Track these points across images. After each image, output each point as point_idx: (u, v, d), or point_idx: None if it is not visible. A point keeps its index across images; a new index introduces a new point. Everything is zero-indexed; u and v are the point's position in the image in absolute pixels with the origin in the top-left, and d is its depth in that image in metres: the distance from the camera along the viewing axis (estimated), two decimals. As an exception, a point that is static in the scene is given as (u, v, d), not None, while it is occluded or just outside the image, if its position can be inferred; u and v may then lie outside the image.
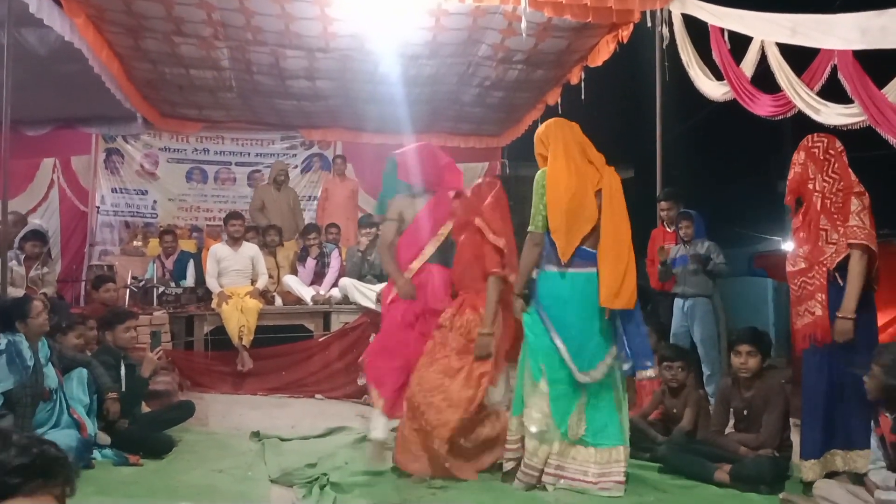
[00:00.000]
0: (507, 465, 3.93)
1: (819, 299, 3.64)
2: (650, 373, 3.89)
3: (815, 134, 3.86)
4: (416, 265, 4.46)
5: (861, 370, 3.33)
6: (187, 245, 8.21)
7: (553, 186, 3.87)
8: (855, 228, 3.56)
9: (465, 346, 4.05)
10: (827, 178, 3.70)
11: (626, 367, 3.87)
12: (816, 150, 3.76)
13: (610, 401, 3.86)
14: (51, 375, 4.21)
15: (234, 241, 7.14)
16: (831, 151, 3.73)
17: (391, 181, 4.63)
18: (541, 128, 4.18)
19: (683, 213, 5.87)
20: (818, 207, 3.69)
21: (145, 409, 5.09)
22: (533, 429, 3.80)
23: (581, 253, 3.84)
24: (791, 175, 3.84)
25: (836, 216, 3.65)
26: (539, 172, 3.99)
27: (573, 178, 3.87)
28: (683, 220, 5.81)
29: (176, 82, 7.63)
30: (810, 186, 3.73)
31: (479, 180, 4.64)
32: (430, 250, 4.47)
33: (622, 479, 3.77)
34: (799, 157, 3.82)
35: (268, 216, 8.46)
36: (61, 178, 9.11)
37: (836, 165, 3.71)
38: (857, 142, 3.97)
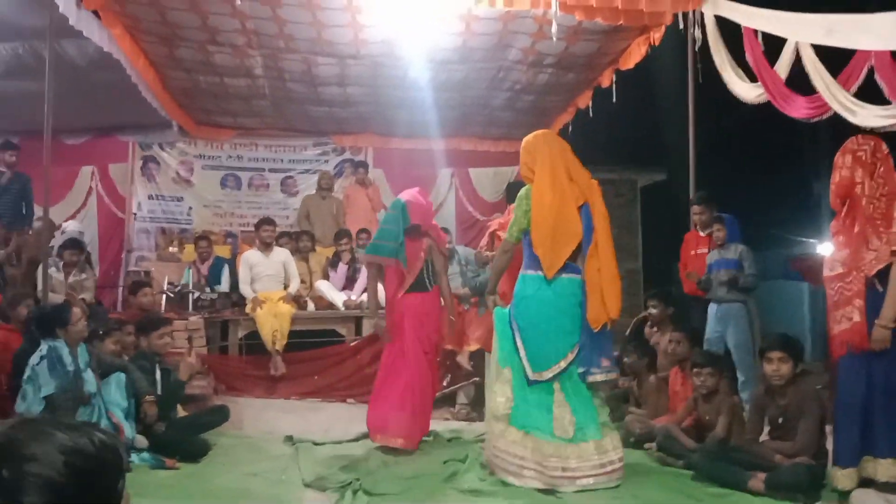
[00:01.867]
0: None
1: (857, 305, 3.58)
2: (598, 377, 4.03)
3: (860, 136, 3.79)
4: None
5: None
6: (222, 251, 8.32)
7: (538, 204, 4.04)
8: None
9: None
10: (874, 182, 3.63)
11: (580, 370, 4.02)
12: (863, 154, 3.68)
13: (588, 397, 4.03)
14: (90, 380, 4.31)
15: (266, 247, 7.24)
16: (878, 154, 3.67)
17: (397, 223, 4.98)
18: (528, 138, 4.32)
19: (716, 217, 5.81)
20: (865, 212, 3.63)
21: (181, 413, 5.17)
22: (499, 412, 4.03)
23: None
24: (837, 178, 3.76)
25: (878, 222, 3.58)
26: (524, 189, 4.17)
27: (557, 195, 4.04)
28: (716, 223, 5.75)
29: (210, 90, 7.75)
30: (857, 190, 3.66)
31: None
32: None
33: (613, 468, 3.93)
34: (845, 160, 3.74)
35: (312, 224, 8.59)
36: (99, 186, 9.30)
37: (882, 169, 3.65)
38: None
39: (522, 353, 4.02)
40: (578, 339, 4.01)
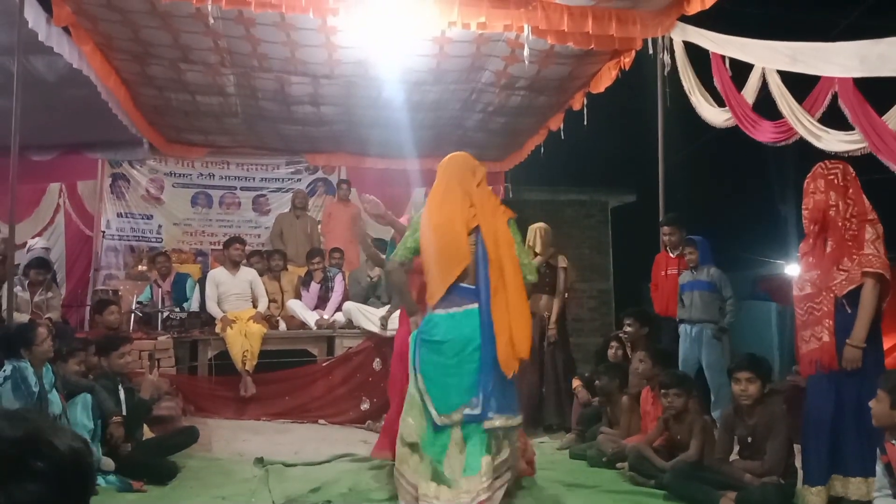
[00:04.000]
0: None
1: (827, 325, 3.65)
2: (497, 423, 3.59)
3: (828, 161, 3.88)
4: None
5: (866, 397, 3.33)
6: (192, 269, 8.24)
7: (425, 227, 3.79)
8: (870, 257, 3.57)
9: None
10: (845, 204, 3.72)
11: (475, 411, 3.57)
12: (834, 177, 3.77)
13: (480, 441, 3.60)
14: (55, 401, 4.22)
15: (234, 266, 7.19)
16: (848, 177, 3.77)
17: None
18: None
19: (689, 240, 5.87)
20: (840, 235, 3.70)
21: (149, 434, 5.08)
22: (408, 438, 3.69)
23: (457, 290, 3.67)
24: (811, 203, 3.82)
25: (850, 243, 3.66)
26: (421, 210, 3.96)
27: (444, 216, 3.75)
28: (688, 246, 5.81)
29: (182, 108, 7.71)
30: (832, 213, 3.74)
31: None
32: None
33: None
34: (818, 184, 3.81)
35: (285, 243, 8.55)
36: (67, 203, 9.18)
37: (851, 191, 3.74)
38: (857, 167, 3.99)
39: (426, 395, 3.64)
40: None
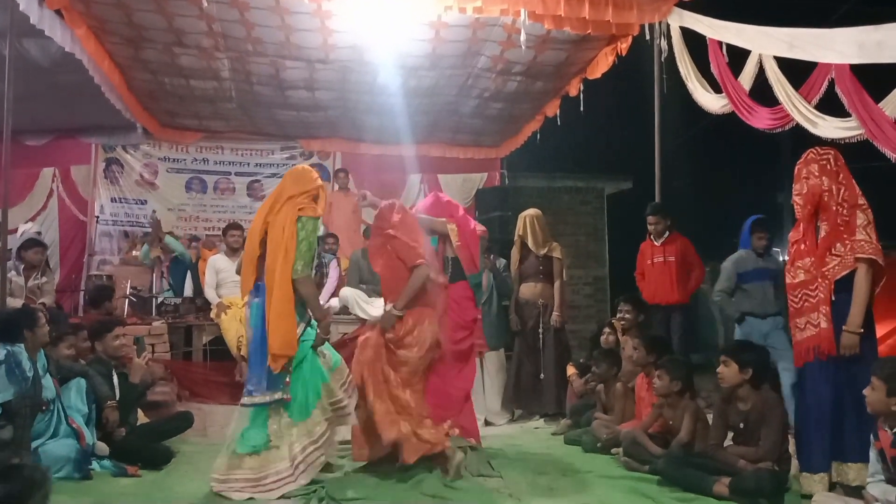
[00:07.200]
0: None
1: (823, 312, 3.66)
2: (251, 399, 4.09)
3: (818, 147, 3.88)
4: None
5: (862, 383, 3.34)
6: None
7: None
8: (863, 243, 3.59)
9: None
10: (837, 188, 3.73)
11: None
12: (826, 162, 3.78)
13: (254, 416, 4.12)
14: (49, 386, 4.21)
15: (233, 252, 7.16)
16: (839, 163, 3.79)
17: None
18: None
19: (759, 222, 5.42)
20: (834, 220, 3.71)
21: (143, 419, 5.08)
22: None
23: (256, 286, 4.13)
24: (804, 189, 3.82)
25: (842, 228, 3.68)
26: None
27: (252, 228, 4.21)
28: (759, 229, 5.34)
29: (176, 93, 7.66)
30: (826, 198, 3.75)
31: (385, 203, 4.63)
32: None
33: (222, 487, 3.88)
34: (811, 169, 3.81)
35: None
36: (61, 188, 9.13)
37: (841, 176, 3.75)
38: (853, 154, 3.99)
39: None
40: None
